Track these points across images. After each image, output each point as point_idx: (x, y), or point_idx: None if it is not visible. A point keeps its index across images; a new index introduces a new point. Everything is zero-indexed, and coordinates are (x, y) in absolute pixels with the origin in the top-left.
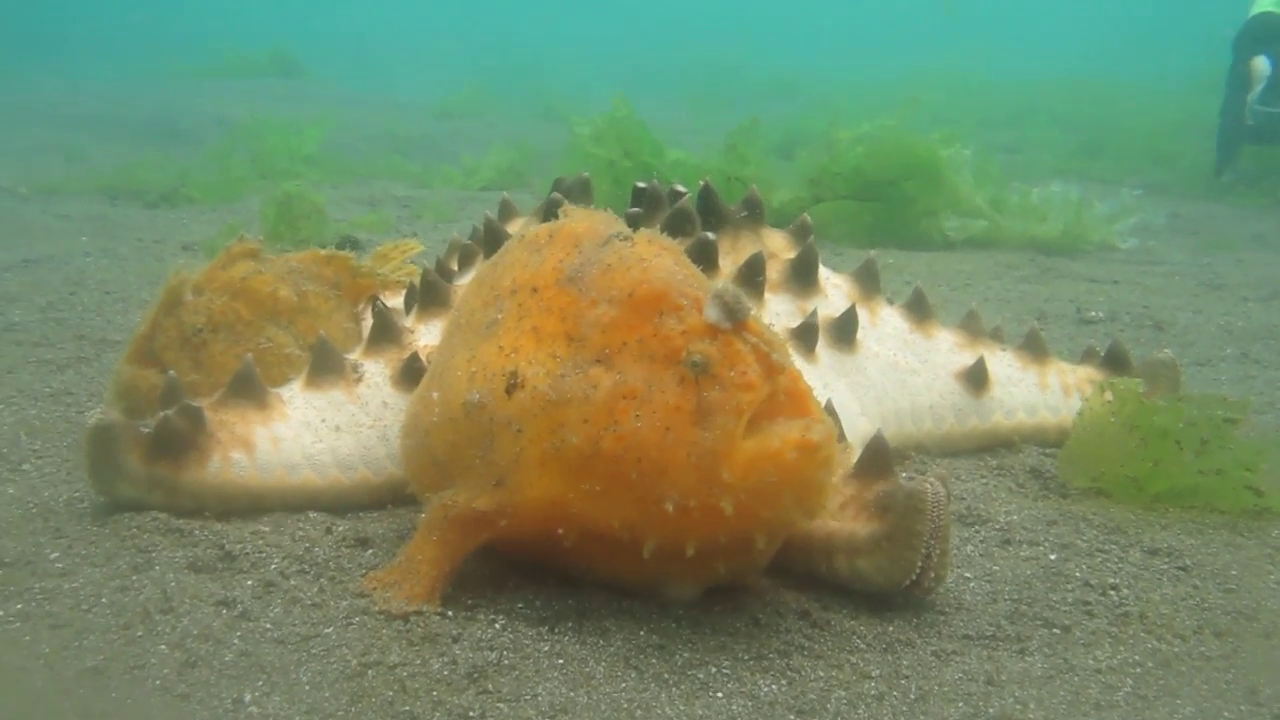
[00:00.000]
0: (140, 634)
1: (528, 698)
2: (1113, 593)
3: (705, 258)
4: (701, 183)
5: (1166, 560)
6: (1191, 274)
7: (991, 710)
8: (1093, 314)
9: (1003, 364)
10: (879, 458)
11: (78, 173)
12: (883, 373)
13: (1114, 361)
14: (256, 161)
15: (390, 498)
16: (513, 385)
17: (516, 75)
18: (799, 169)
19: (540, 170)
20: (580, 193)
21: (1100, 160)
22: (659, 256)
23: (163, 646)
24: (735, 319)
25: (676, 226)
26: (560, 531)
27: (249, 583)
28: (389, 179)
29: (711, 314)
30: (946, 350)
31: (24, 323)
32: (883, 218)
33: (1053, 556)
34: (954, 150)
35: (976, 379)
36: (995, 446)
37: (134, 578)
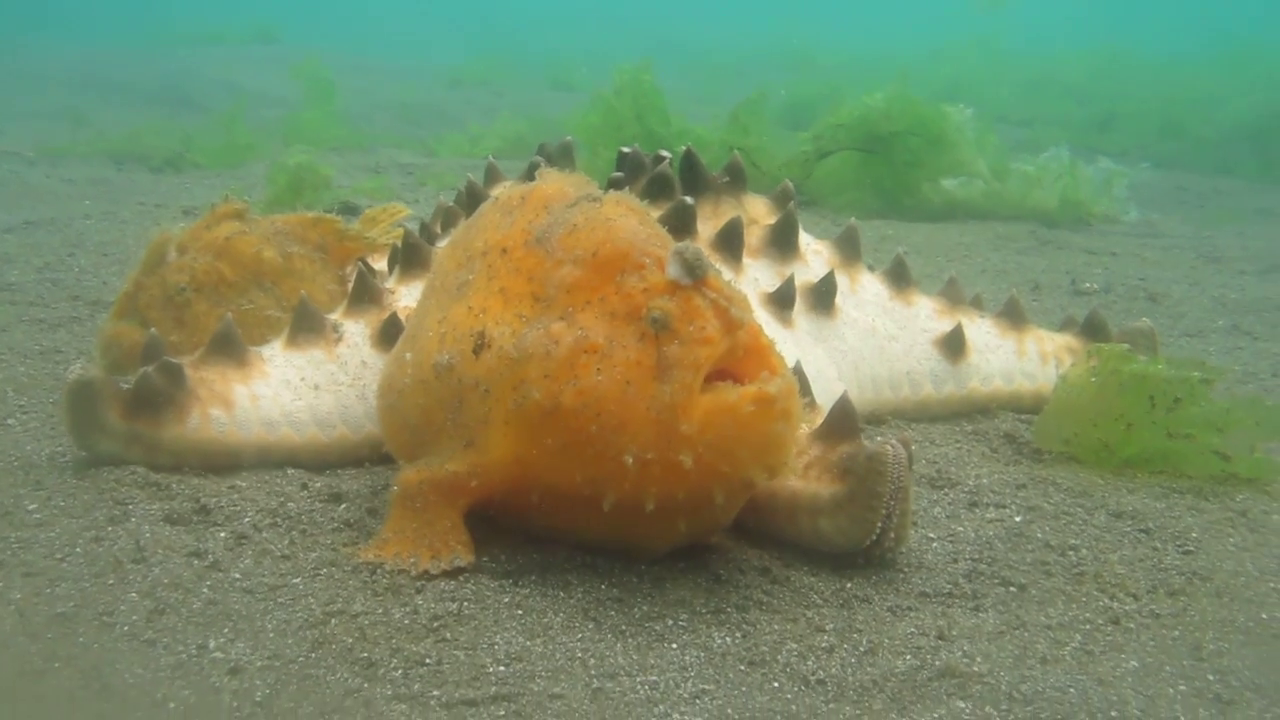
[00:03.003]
0: (112, 582)
1: (485, 646)
2: (1072, 553)
3: (683, 222)
4: (684, 148)
5: (1130, 523)
6: (1191, 247)
7: (938, 663)
8: (1087, 285)
9: (981, 331)
10: (844, 419)
11: (84, 137)
12: (861, 339)
13: (1092, 329)
14: (283, 130)
15: (368, 455)
16: (480, 346)
17: (527, 44)
18: (802, 140)
19: (548, 138)
20: (563, 157)
21: (1111, 133)
22: (624, 217)
23: (133, 594)
24: (695, 276)
25: (657, 191)
26: (527, 491)
27: (222, 535)
28: (395, 146)
29: (672, 271)
30: (925, 317)
31: (20, 283)
32: (884, 178)
33: (1018, 519)
34: (956, 109)
35: (954, 346)
36: (972, 412)
37: (109, 529)
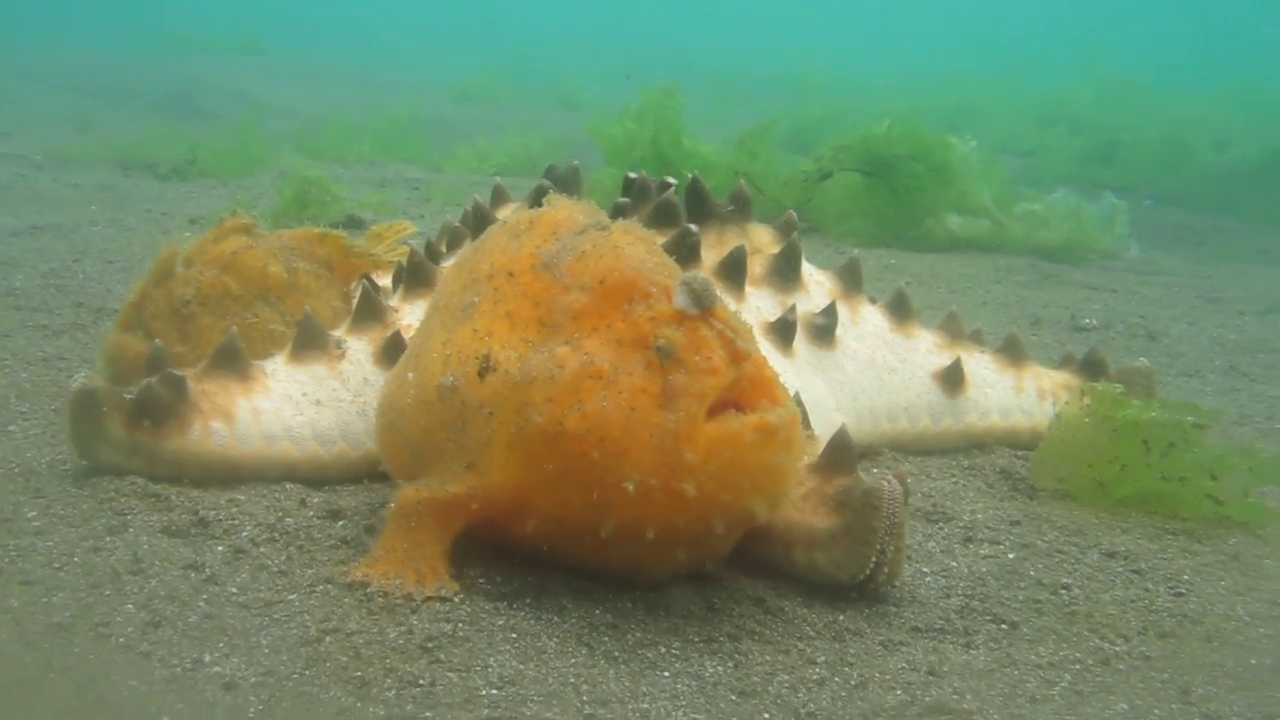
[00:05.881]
0: (109, 593)
1: (478, 669)
2: (1064, 592)
3: (687, 250)
4: (690, 176)
5: (1123, 563)
6: (1191, 285)
7: (928, 699)
8: (1087, 322)
9: (980, 366)
10: (841, 452)
11: (91, 142)
12: (860, 370)
13: (1091, 368)
14: (297, 142)
15: (367, 472)
16: (485, 369)
17: (533, 62)
18: (805, 164)
19: (555, 157)
20: (571, 181)
21: (1115, 167)
22: (632, 245)
23: (129, 606)
24: (703, 306)
25: (662, 218)
26: (527, 514)
27: (219, 548)
28: (402, 161)
29: (680, 301)
30: (925, 350)
31: (25, 288)
32: (887, 206)
33: (1011, 555)
34: (960, 140)
35: (953, 380)
36: (969, 447)
37: (108, 539)
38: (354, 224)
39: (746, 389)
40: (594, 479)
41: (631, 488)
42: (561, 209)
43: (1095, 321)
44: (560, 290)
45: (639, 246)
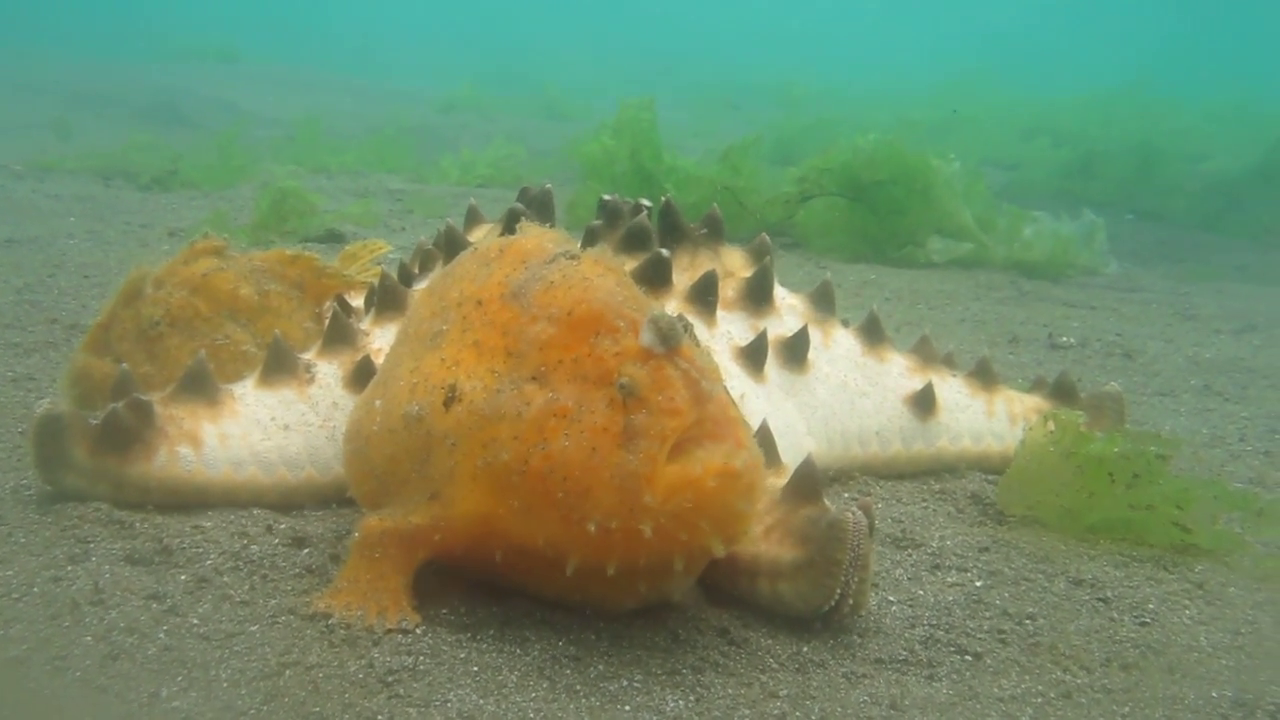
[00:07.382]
0: (67, 625)
1: (437, 704)
2: (1029, 622)
3: (659, 274)
4: (663, 199)
5: (1089, 591)
6: (1169, 303)
7: None
8: (1064, 339)
9: (952, 390)
10: (807, 482)
11: (72, 151)
12: (832, 394)
13: (1061, 392)
14: (279, 151)
15: (335, 497)
16: (451, 399)
17: (519, 71)
18: (788, 178)
19: (539, 168)
20: (544, 203)
21: (1096, 180)
22: (602, 277)
23: (88, 638)
24: (669, 345)
25: (634, 242)
26: (489, 547)
27: (182, 578)
28: (385, 171)
29: (646, 338)
30: (897, 374)
31: None
32: (869, 225)
33: (978, 584)
34: (943, 161)
35: (924, 404)
36: (940, 471)
37: (69, 568)
38: (333, 237)
39: (709, 429)
40: (556, 517)
41: (593, 527)
42: (532, 237)
43: (1072, 340)
44: (528, 320)
45: (608, 278)
